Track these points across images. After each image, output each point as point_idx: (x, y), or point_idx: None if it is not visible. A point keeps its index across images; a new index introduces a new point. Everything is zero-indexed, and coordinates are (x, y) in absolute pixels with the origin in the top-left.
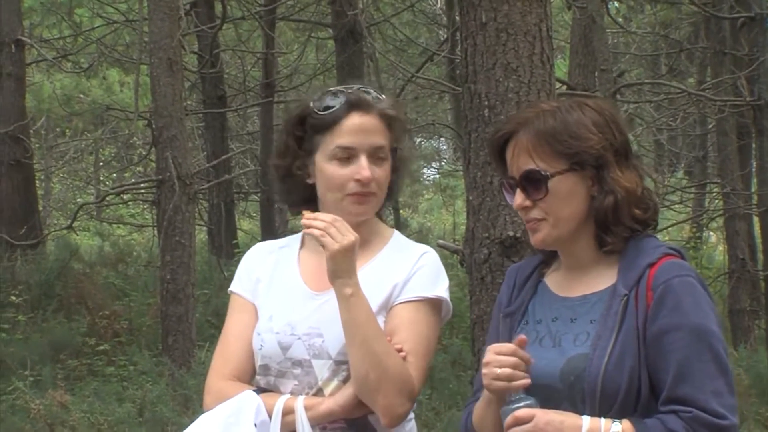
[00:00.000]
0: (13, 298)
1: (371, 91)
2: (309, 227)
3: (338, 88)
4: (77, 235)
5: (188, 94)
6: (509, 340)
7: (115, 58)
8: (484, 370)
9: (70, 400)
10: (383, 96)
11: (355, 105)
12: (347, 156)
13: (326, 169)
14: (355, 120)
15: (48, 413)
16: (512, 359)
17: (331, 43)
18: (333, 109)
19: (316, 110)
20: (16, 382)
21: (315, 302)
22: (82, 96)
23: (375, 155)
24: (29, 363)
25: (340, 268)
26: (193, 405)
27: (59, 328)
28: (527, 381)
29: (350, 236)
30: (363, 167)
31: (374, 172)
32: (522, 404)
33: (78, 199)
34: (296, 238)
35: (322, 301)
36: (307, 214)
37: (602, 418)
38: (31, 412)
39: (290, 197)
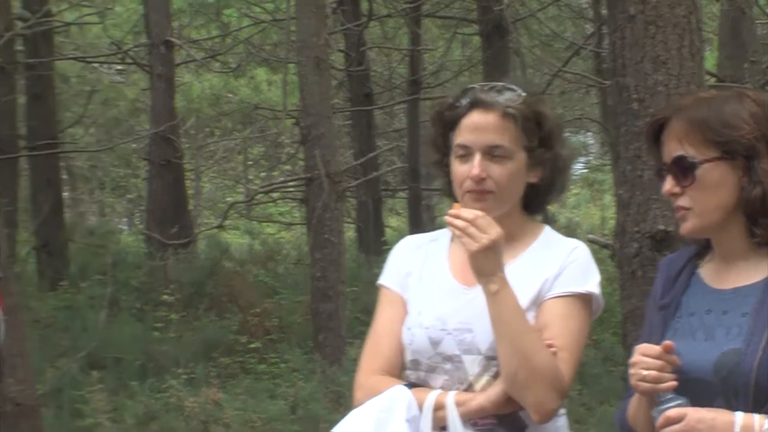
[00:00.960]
0: (166, 297)
1: (505, 87)
2: (451, 224)
3: (471, 85)
4: (228, 234)
5: (335, 93)
6: (663, 334)
7: (263, 57)
8: (630, 371)
9: (224, 397)
10: (521, 92)
11: (475, 103)
12: (465, 154)
13: (452, 166)
14: (473, 118)
15: (202, 411)
16: (658, 362)
17: (477, 39)
18: (457, 108)
19: (446, 108)
20: (169, 381)
21: (465, 297)
22: (230, 95)
23: (491, 153)
24: (182, 361)
25: (483, 267)
26: (345, 402)
27: (211, 327)
28: (673, 384)
29: (491, 234)
30: (474, 165)
31: (490, 170)
32: (673, 404)
33: (227, 198)
34: (446, 231)
35: (472, 296)
36: (452, 211)
37: (756, 415)
38: (185, 410)
39: (447, 190)
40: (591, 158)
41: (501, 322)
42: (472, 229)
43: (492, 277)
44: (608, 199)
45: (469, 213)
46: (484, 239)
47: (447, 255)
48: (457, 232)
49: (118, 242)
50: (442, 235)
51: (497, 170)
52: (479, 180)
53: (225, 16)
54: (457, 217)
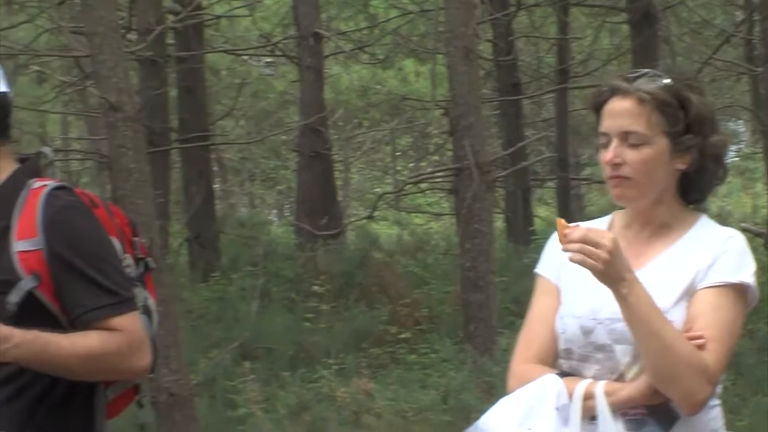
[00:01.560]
0: (316, 287)
1: (646, 74)
2: (566, 250)
3: (620, 73)
4: (377, 225)
5: (483, 83)
6: None
7: (411, 48)
8: None
9: (374, 388)
10: (664, 79)
11: (615, 90)
12: (605, 141)
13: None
14: (612, 105)
15: (353, 401)
16: None
17: (626, 28)
18: (601, 96)
19: (595, 97)
20: (321, 371)
21: None
22: (378, 87)
23: (626, 139)
24: (333, 351)
25: (609, 277)
26: (496, 392)
27: (361, 317)
28: None
29: (606, 244)
30: (609, 151)
31: (625, 155)
32: None
33: (376, 189)
34: (602, 221)
35: None
36: (561, 236)
37: None
38: (337, 400)
39: None
40: (742, 146)
41: (636, 322)
42: (588, 248)
43: (621, 282)
44: (760, 187)
45: (576, 234)
46: (603, 254)
47: None
48: (576, 258)
49: (269, 233)
50: (598, 224)
51: (632, 155)
52: (614, 165)
53: (373, 8)
54: (566, 241)
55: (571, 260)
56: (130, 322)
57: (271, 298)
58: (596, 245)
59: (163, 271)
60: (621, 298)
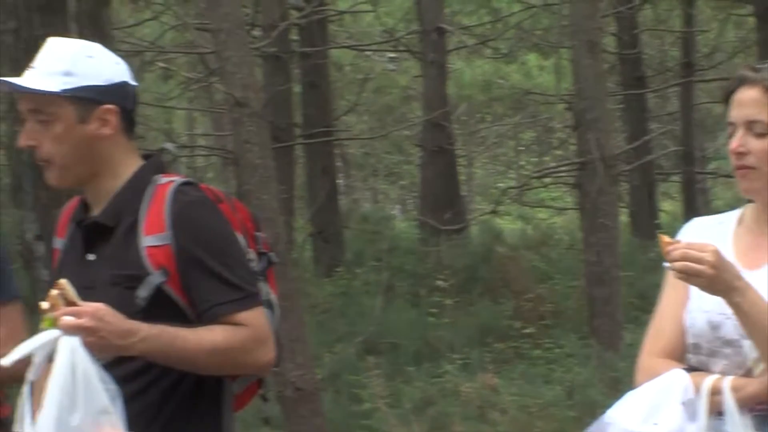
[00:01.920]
0: (440, 282)
1: None
2: (672, 269)
3: (748, 64)
4: (500, 219)
5: (607, 76)
6: None
7: (534, 42)
8: None
9: (499, 383)
10: None
11: (742, 80)
12: (732, 131)
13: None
14: (738, 95)
15: (478, 396)
16: None
17: (752, 20)
18: (730, 86)
19: (725, 88)
20: (445, 366)
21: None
22: (501, 81)
23: (751, 129)
24: (457, 346)
25: (718, 288)
26: (622, 387)
27: (485, 312)
28: None
29: (707, 260)
30: (734, 140)
31: (750, 145)
32: None
33: (499, 184)
34: (733, 214)
35: (754, 280)
36: (663, 245)
37: None
38: (462, 395)
39: None
40: None
41: (752, 328)
42: (690, 266)
43: (732, 293)
44: None
45: (677, 251)
46: (707, 270)
47: (731, 239)
48: (681, 276)
49: (392, 228)
50: (728, 218)
51: (756, 145)
52: (739, 155)
53: (496, 2)
54: (670, 260)
55: (677, 279)
56: (255, 317)
57: (395, 292)
58: (698, 261)
59: (288, 266)
60: (734, 307)
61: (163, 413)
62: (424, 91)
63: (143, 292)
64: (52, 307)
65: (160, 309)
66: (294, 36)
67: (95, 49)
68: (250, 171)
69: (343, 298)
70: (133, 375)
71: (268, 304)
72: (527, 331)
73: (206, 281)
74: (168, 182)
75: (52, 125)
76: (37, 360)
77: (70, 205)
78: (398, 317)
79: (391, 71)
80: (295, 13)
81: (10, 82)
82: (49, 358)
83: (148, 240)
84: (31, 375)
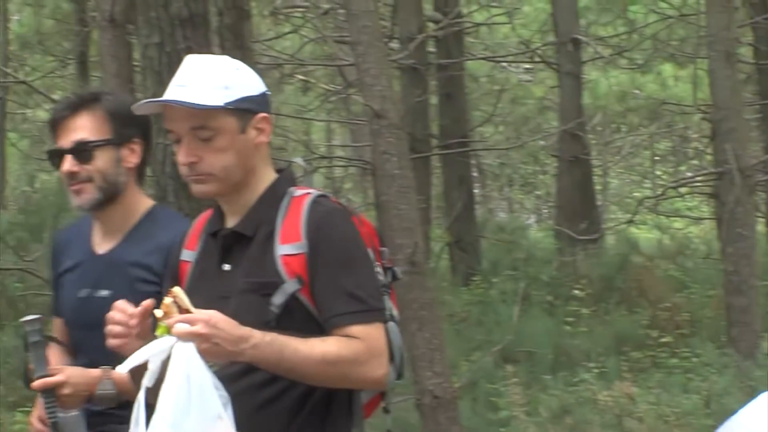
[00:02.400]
0: (577, 291)
1: None
2: None
3: None
4: (636, 229)
5: (744, 86)
6: None
7: (670, 52)
8: None
9: (636, 391)
10: None
11: None
12: None
13: None
14: None
15: (615, 405)
16: None
17: None
18: None
19: None
20: (582, 374)
21: None
22: (636, 91)
23: None
24: (593, 355)
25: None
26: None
27: (621, 321)
28: None
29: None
30: None
31: None
32: None
33: (634, 194)
34: None
35: None
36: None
37: None
38: (599, 403)
39: None
40: None
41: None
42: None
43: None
44: None
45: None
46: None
47: None
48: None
49: (528, 238)
50: None
51: None
52: None
53: (631, 13)
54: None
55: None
56: (371, 332)
57: (531, 301)
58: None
59: (426, 275)
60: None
61: (296, 421)
62: (559, 101)
63: (278, 300)
64: (166, 315)
65: (293, 317)
66: (431, 48)
67: (237, 62)
68: (389, 181)
69: (479, 306)
70: (267, 382)
71: (392, 319)
72: (664, 340)
73: (330, 291)
74: (304, 194)
75: (215, 139)
76: (152, 366)
77: (201, 219)
78: (534, 326)
79: (526, 82)
80: (432, 26)
81: (177, 100)
82: (164, 365)
83: (283, 249)
84: (146, 381)
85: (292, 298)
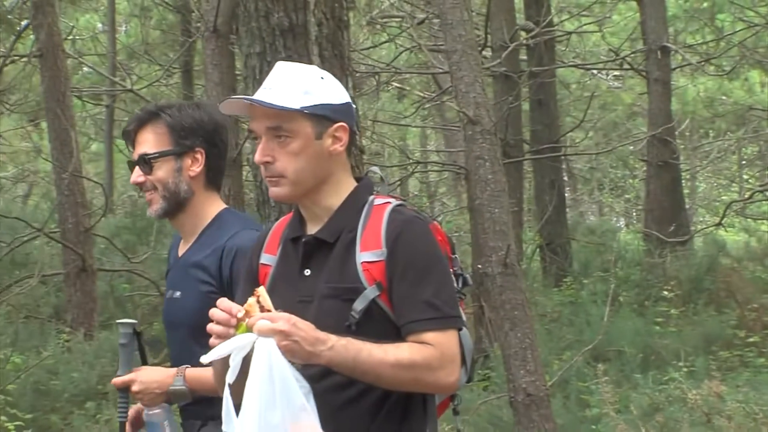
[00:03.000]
0: (666, 292)
1: None
2: None
3: None
4: (724, 232)
5: None
6: None
7: (756, 59)
8: None
9: (725, 390)
10: None
11: None
12: None
13: None
14: None
15: (704, 403)
16: None
17: None
18: None
19: None
20: (672, 373)
21: None
22: (724, 97)
23: None
24: (683, 354)
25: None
26: None
27: (710, 321)
28: None
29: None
30: None
31: None
32: None
33: (722, 197)
34: None
35: None
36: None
37: None
38: (688, 402)
39: None
40: None
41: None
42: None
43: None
44: None
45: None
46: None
47: None
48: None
49: (617, 240)
50: None
51: None
52: None
53: (719, 21)
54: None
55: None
56: (445, 339)
57: (621, 302)
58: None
59: (519, 276)
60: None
61: (375, 421)
62: (648, 107)
63: (359, 305)
64: (247, 314)
65: (372, 321)
66: (523, 56)
67: (324, 72)
68: (482, 185)
69: (570, 307)
70: (346, 384)
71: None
72: (752, 340)
73: (408, 298)
74: (385, 203)
75: (289, 141)
76: (234, 363)
77: (280, 223)
78: (624, 326)
79: (616, 89)
80: (524, 35)
81: (256, 99)
82: (245, 362)
83: (364, 256)
84: (229, 377)
85: (372, 303)
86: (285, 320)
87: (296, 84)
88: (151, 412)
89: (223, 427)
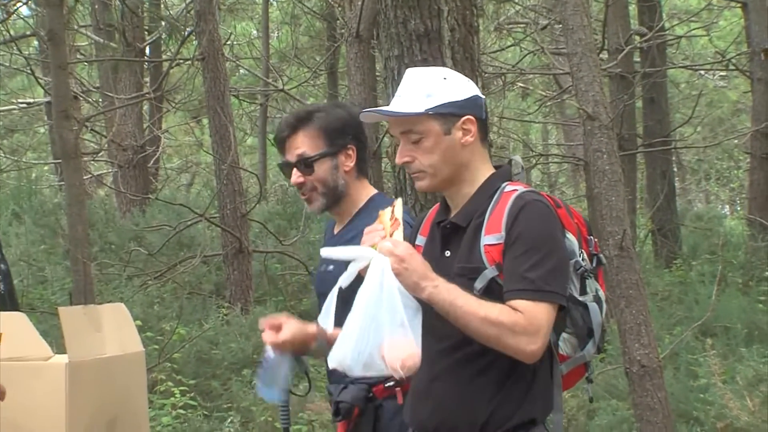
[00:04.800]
0: None
1: None
2: None
3: None
4: None
5: None
6: None
7: None
8: None
9: None
10: None
11: None
12: None
13: None
14: None
15: None
16: None
17: None
18: None
19: None
20: None
21: None
22: None
23: None
24: None
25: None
26: None
27: None
28: None
29: (395, 253)
30: None
31: None
32: None
33: None
34: None
35: None
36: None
37: None
38: None
39: None
40: None
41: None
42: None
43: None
44: None
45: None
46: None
47: None
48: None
49: (723, 226)
50: None
51: None
52: None
53: None
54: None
55: None
56: (534, 309)
57: (727, 282)
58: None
59: (633, 258)
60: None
61: (502, 391)
62: (752, 104)
63: (479, 284)
64: (379, 220)
65: (494, 298)
66: (637, 58)
67: (447, 72)
68: (600, 176)
69: (680, 286)
70: (473, 357)
71: (596, 299)
72: None
73: (510, 272)
74: (513, 190)
75: (423, 141)
76: (352, 270)
77: (433, 209)
78: (730, 304)
79: (722, 87)
80: (638, 38)
81: (383, 110)
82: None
83: (487, 239)
84: (342, 281)
85: (492, 282)
86: (405, 248)
87: (420, 88)
88: (273, 356)
89: (319, 319)
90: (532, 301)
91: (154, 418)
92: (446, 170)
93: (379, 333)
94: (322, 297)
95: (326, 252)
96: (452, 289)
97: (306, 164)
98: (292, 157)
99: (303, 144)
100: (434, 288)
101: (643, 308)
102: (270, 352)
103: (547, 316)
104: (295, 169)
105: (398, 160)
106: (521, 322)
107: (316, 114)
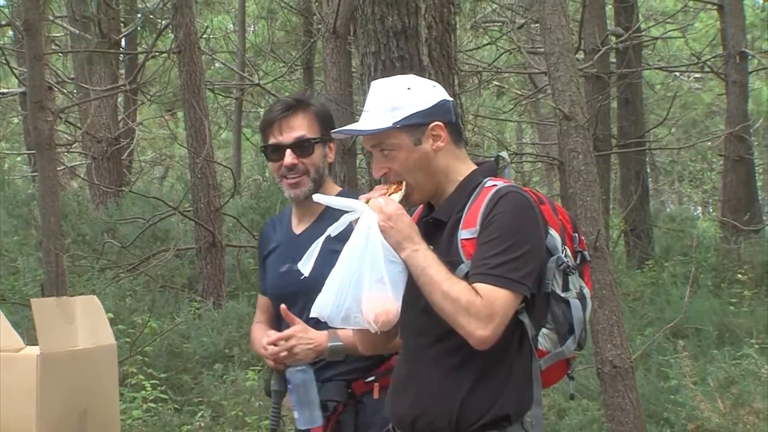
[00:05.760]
0: (740, 275)
1: None
2: None
3: None
4: None
5: None
6: None
7: None
8: None
9: None
10: None
11: None
12: None
13: None
14: None
15: None
16: None
17: None
18: None
19: None
20: (745, 349)
21: None
22: None
23: None
24: (755, 332)
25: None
26: None
27: None
28: None
29: (383, 210)
30: None
31: None
32: None
33: None
34: None
35: None
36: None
37: None
38: (761, 376)
39: None
40: None
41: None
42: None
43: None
44: None
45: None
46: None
47: None
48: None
49: (695, 228)
50: None
51: None
52: None
53: None
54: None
55: None
56: (492, 294)
57: (699, 284)
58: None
59: (607, 259)
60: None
61: (480, 384)
62: (726, 107)
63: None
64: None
65: None
66: (612, 59)
67: (411, 81)
68: (575, 176)
69: (652, 287)
70: (452, 351)
71: (580, 296)
72: None
73: (477, 258)
74: (493, 185)
75: (395, 154)
76: (343, 220)
77: (421, 207)
78: (701, 306)
79: (696, 90)
80: (614, 39)
81: (352, 129)
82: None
83: (463, 234)
84: (331, 230)
85: (468, 276)
86: (395, 208)
87: (386, 102)
88: (295, 370)
89: (299, 264)
90: (493, 285)
91: (125, 411)
92: (427, 181)
93: (359, 287)
94: (287, 299)
95: (319, 197)
96: (430, 257)
97: (305, 146)
98: (287, 139)
99: (302, 126)
100: (413, 251)
101: (615, 309)
102: (291, 374)
103: (504, 304)
104: (289, 150)
105: (375, 175)
106: (477, 304)
107: (311, 100)
